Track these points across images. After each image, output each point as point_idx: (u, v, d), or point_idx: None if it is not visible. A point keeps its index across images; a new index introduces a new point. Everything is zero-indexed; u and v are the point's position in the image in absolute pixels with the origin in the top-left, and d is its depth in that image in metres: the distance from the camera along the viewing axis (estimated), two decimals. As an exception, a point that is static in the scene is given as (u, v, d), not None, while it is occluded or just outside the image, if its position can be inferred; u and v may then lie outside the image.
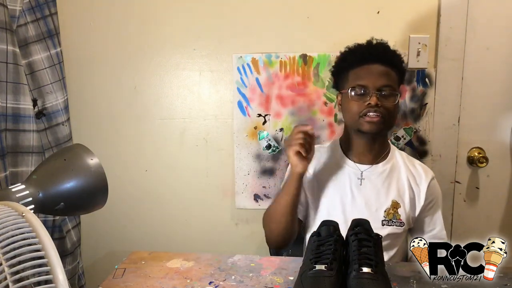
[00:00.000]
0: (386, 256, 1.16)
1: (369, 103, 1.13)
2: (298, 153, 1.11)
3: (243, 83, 1.61)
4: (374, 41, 1.23)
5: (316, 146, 1.35)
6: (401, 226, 1.19)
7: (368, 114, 1.14)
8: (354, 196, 1.21)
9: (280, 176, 1.63)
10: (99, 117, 1.69)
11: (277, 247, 1.30)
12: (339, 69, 1.25)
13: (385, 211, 1.19)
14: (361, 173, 1.22)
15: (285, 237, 1.21)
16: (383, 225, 1.18)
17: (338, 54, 1.27)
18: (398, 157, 1.26)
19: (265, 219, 1.25)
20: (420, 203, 1.22)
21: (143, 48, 1.64)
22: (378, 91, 1.14)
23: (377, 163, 1.23)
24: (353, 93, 1.16)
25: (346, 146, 1.27)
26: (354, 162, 1.24)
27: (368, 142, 1.21)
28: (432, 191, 1.23)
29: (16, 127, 1.33)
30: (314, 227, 1.25)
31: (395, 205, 1.19)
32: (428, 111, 1.58)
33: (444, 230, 1.24)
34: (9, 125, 1.31)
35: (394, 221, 1.19)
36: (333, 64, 1.29)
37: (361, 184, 1.22)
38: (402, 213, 1.19)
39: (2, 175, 1.25)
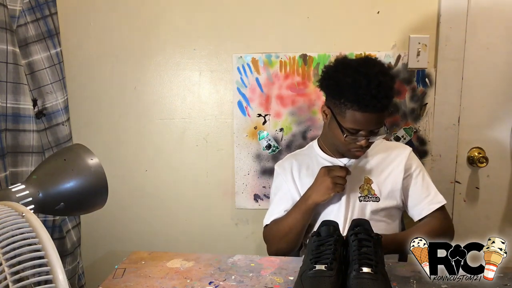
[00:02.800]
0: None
1: (359, 144, 1.16)
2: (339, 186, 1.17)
3: (243, 83, 1.61)
4: (378, 83, 1.08)
5: (292, 153, 1.40)
6: (377, 201, 1.24)
7: (355, 148, 1.18)
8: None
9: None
10: (99, 117, 1.69)
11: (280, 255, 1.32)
12: (336, 94, 1.16)
13: (360, 188, 1.25)
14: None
15: (293, 250, 1.27)
16: (360, 201, 1.24)
17: (340, 56, 1.24)
18: None
19: (275, 237, 1.26)
20: (399, 175, 1.25)
21: (143, 48, 1.64)
22: (370, 132, 1.15)
23: None
24: (346, 132, 1.15)
25: (328, 146, 1.30)
26: (337, 158, 1.29)
27: None
28: (411, 161, 1.28)
29: (16, 127, 1.33)
30: (312, 227, 1.26)
31: (368, 181, 1.26)
32: (428, 111, 1.58)
33: (440, 194, 1.26)
34: (9, 125, 1.31)
35: (370, 196, 1.25)
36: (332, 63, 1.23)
37: None
38: (376, 188, 1.25)
39: (2, 175, 1.25)
